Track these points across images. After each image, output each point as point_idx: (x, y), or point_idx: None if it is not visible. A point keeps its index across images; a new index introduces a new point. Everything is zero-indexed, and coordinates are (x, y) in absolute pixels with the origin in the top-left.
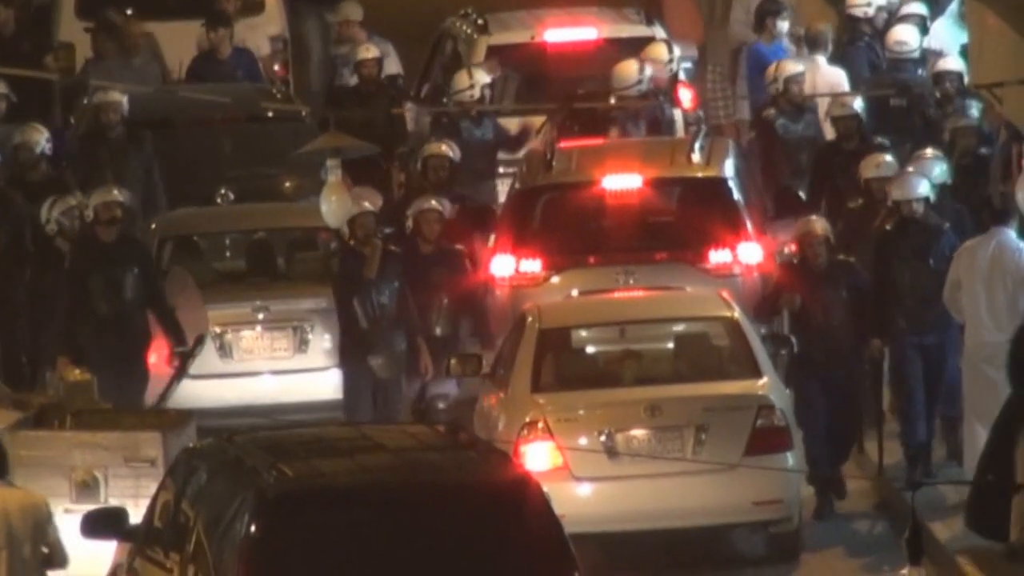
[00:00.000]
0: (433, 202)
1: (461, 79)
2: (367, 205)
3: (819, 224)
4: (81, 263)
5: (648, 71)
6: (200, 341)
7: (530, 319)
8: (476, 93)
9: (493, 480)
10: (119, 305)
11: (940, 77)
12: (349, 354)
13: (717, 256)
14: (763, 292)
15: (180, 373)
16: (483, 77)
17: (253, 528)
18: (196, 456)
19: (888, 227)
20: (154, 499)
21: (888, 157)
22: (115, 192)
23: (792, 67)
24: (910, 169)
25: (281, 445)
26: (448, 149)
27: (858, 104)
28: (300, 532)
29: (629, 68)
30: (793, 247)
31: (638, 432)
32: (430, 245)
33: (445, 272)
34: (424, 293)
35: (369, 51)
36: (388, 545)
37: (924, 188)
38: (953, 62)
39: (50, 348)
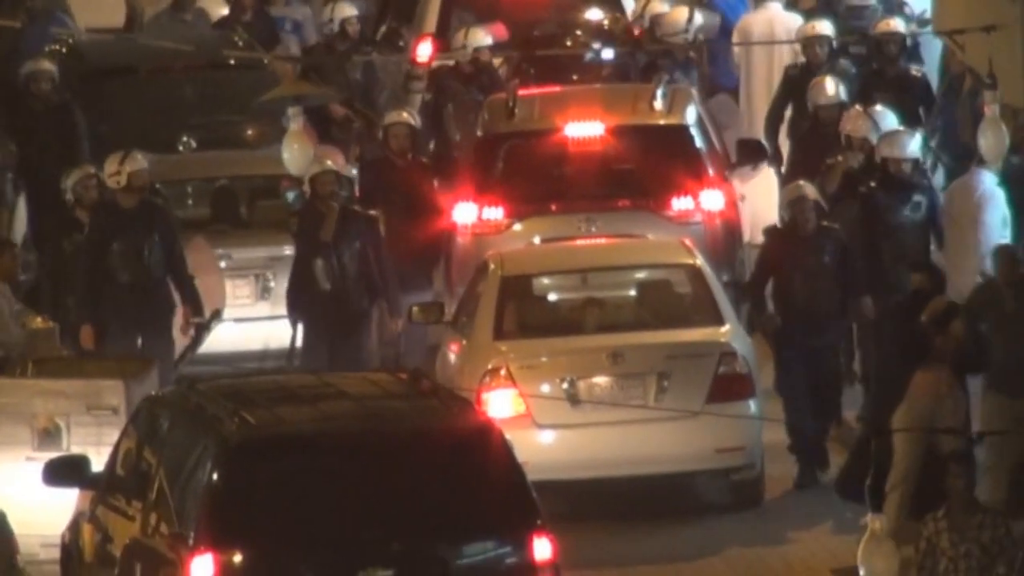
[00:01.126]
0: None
1: (457, 38)
2: (329, 164)
3: (809, 189)
4: (101, 231)
5: (698, 19)
6: (217, 315)
7: (492, 267)
8: (467, 56)
9: (456, 427)
10: (140, 273)
11: (885, 37)
12: (306, 313)
13: (679, 203)
14: (752, 271)
15: (195, 344)
16: (481, 38)
17: (216, 476)
18: (158, 404)
19: (873, 184)
20: (116, 447)
21: (833, 81)
22: (140, 159)
23: (812, 29)
24: (901, 128)
25: (243, 393)
26: (409, 116)
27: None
28: (263, 480)
29: (679, 15)
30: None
31: (600, 379)
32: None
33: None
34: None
35: (351, 8)
36: (350, 492)
37: (915, 147)
38: (896, 23)
39: (73, 318)
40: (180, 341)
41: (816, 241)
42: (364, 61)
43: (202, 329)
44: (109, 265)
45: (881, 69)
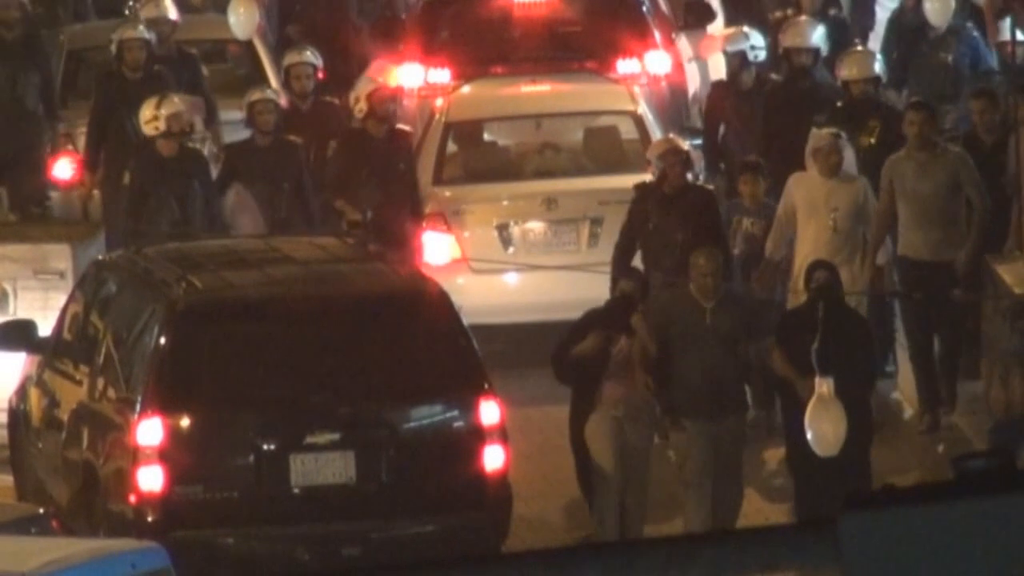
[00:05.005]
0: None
1: None
2: (308, 55)
3: (680, 142)
4: (143, 179)
5: None
6: None
7: (438, 114)
8: None
9: (402, 291)
10: (181, 222)
11: None
12: None
13: (624, 65)
14: (621, 234)
15: None
16: None
17: (163, 340)
18: (106, 268)
19: (840, 104)
20: (63, 311)
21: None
22: (177, 102)
23: None
24: (860, 48)
25: (190, 257)
26: (273, 94)
27: None
28: (210, 344)
29: None
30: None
31: (534, 225)
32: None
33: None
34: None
35: None
36: (297, 356)
37: (877, 67)
38: None
39: None
40: None
41: (684, 199)
42: None
43: None
44: (152, 214)
45: None
